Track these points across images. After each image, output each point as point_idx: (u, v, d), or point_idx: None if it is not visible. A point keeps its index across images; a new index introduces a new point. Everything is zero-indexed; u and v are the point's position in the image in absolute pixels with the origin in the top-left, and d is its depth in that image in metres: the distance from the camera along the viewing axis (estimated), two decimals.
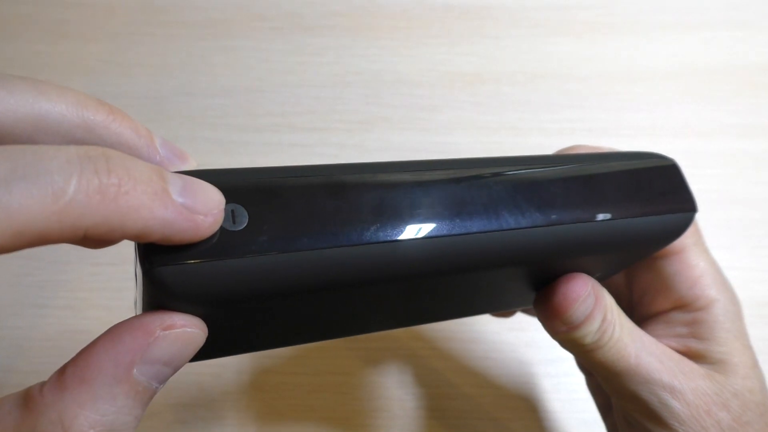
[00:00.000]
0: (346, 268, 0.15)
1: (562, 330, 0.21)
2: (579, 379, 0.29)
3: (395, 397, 0.33)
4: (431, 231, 0.16)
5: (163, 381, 0.14)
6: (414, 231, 0.16)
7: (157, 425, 0.31)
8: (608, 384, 0.22)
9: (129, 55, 0.43)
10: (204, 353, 0.16)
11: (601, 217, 0.18)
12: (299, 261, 0.15)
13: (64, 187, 0.11)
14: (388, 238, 0.16)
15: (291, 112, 0.42)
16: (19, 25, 0.44)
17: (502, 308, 0.27)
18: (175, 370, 0.15)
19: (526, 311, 0.30)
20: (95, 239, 0.12)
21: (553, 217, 0.17)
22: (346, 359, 0.34)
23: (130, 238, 0.13)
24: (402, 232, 0.16)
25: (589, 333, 0.21)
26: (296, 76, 0.43)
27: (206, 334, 0.15)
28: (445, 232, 0.16)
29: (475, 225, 0.17)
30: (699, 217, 0.24)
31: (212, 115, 0.41)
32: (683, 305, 0.23)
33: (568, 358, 0.28)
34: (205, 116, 0.41)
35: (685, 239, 0.23)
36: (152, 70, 0.43)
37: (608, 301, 0.21)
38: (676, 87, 0.44)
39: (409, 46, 0.45)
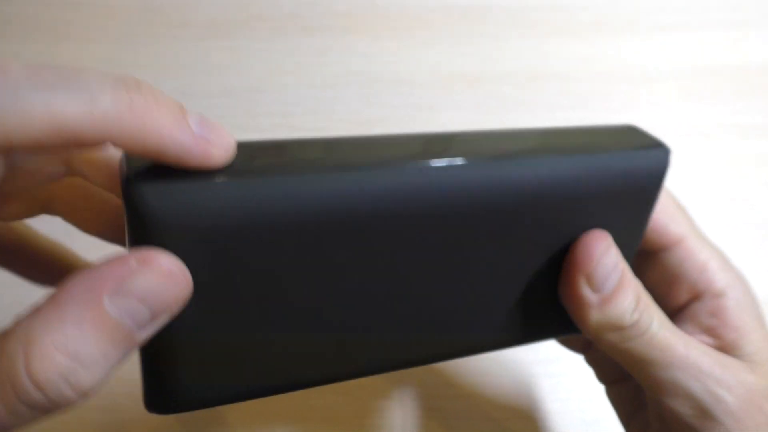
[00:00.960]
0: (338, 194, 0.16)
1: (596, 303, 0.20)
2: (578, 378, 0.28)
3: (395, 397, 0.33)
4: (422, 162, 0.17)
5: (139, 323, 0.14)
6: (405, 163, 0.17)
7: (157, 425, 0.31)
8: (651, 379, 0.21)
9: (129, 55, 0.43)
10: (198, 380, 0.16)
11: (584, 152, 0.20)
12: (290, 185, 0.15)
13: (100, 97, 0.13)
14: (385, 165, 0.17)
15: (291, 112, 0.42)
16: (19, 25, 0.44)
17: (530, 337, 0.23)
18: (153, 314, 0.14)
19: (563, 342, 0.28)
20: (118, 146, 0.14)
21: (541, 154, 0.19)
22: None
23: (147, 155, 0.14)
24: (398, 162, 0.17)
25: (626, 311, 0.20)
26: (296, 76, 0.43)
27: (189, 285, 0.15)
28: (439, 164, 0.17)
29: (459, 159, 0.18)
30: (700, 216, 0.24)
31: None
32: (698, 294, 0.23)
33: (567, 358, 0.28)
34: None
35: (681, 227, 0.23)
36: (152, 70, 0.43)
37: (637, 281, 0.21)
38: (677, 87, 0.44)
39: (409, 46, 0.45)
